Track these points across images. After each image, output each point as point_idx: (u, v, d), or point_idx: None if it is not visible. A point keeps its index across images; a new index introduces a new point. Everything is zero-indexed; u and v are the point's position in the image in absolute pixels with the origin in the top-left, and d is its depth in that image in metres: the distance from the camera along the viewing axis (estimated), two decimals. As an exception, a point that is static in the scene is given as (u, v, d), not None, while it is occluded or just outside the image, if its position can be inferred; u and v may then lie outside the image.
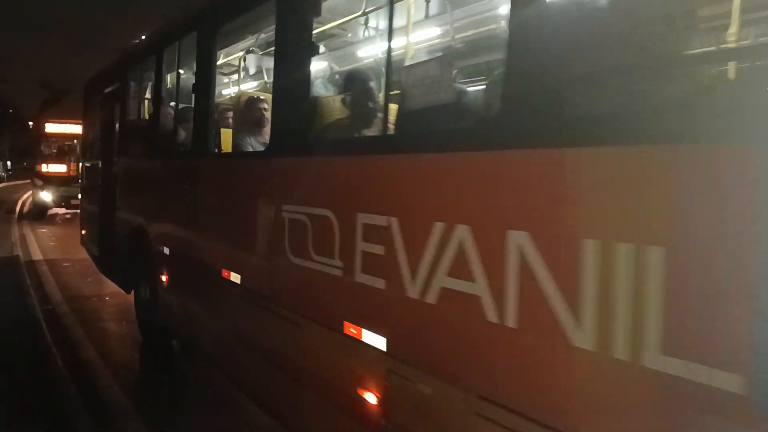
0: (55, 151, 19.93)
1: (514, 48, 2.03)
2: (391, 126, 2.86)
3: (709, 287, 1.47)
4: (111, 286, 8.28)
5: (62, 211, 19.86)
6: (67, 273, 10.64)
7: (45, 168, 18.94)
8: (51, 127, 19.42)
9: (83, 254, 10.50)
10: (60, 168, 18.96)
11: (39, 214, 19.36)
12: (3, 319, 7.12)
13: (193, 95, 4.92)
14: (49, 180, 18.54)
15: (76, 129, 18.04)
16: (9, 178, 62.43)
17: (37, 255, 12.30)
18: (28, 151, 25.03)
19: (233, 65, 7.34)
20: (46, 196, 18.47)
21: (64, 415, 4.38)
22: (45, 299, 8.39)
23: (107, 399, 4.72)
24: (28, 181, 56.06)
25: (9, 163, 74.65)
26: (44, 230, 17.00)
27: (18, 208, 23.17)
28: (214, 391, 4.94)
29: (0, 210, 22.62)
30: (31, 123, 65.46)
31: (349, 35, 5.80)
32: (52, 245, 14.16)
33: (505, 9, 3.82)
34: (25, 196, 29.36)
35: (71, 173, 18.50)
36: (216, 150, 5.01)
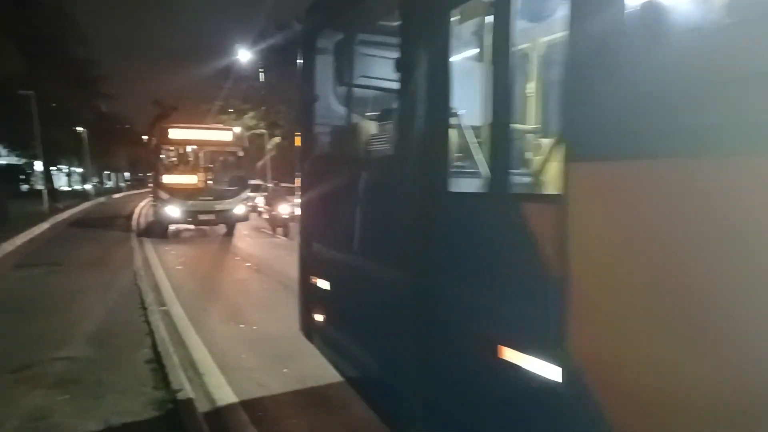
0: (180, 160, 18.17)
1: None
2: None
3: None
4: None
5: (183, 227, 17.69)
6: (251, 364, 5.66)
7: (169, 179, 16.37)
8: (175, 133, 16.79)
9: (255, 314, 7.51)
10: (188, 179, 16.56)
11: (160, 231, 16.78)
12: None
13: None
14: (174, 193, 16.00)
15: (205, 135, 17.40)
16: (127, 188, 68.80)
17: (174, 303, 8.18)
18: (148, 161, 22.12)
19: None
20: (172, 210, 15.96)
21: None
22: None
23: None
24: (143, 190, 61.82)
25: (127, 174, 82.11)
26: (172, 253, 13.82)
27: (135, 221, 22.37)
28: None
29: (116, 222, 24.34)
30: (144, 137, 72.17)
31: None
32: (193, 284, 9.81)
33: None
34: (141, 205, 32.00)
35: (199, 185, 16.52)
36: None
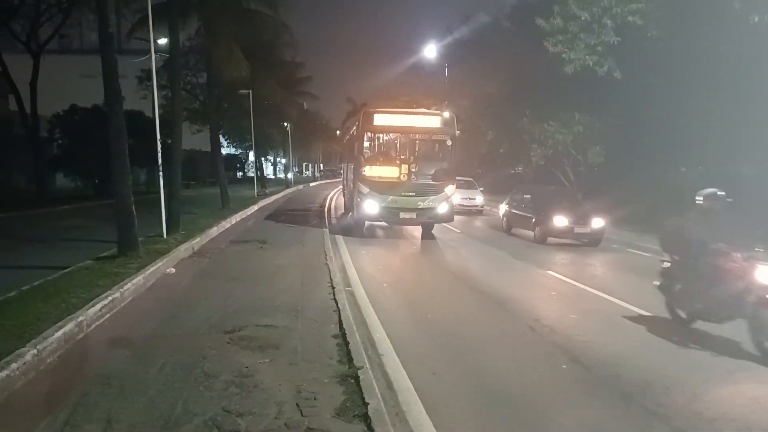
0: (383, 149, 16.11)
1: None
2: None
3: None
4: None
5: (383, 224, 16.22)
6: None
7: (369, 171, 14.64)
8: (381, 119, 14.80)
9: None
10: (390, 172, 14.59)
11: (356, 228, 15.60)
12: None
13: None
14: (374, 186, 14.41)
15: (412, 120, 14.99)
16: (321, 178, 75.35)
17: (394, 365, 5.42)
18: (344, 152, 20.97)
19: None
20: (371, 206, 14.40)
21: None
22: None
23: None
24: (335, 180, 66.92)
25: (321, 165, 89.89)
26: (367, 258, 11.91)
27: (326, 212, 22.70)
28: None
29: (311, 211, 26.64)
30: (338, 131, 78.55)
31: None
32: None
33: None
34: (332, 194, 34.78)
35: (402, 178, 14.48)
36: None
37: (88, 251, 10.17)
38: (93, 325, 6.16)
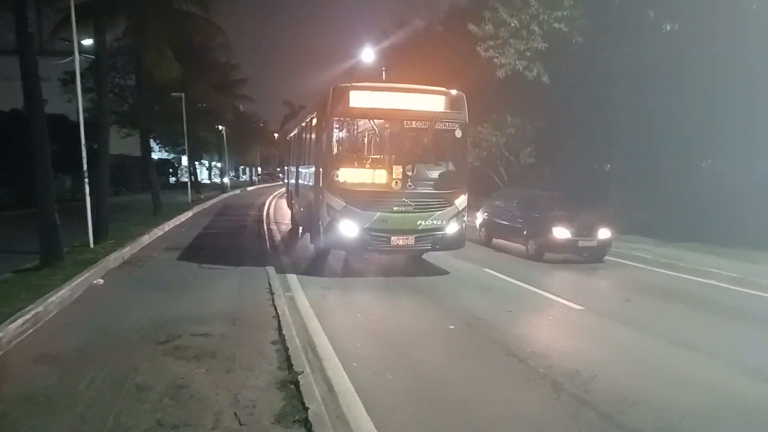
0: (363, 145, 11.03)
1: None
2: None
3: None
4: None
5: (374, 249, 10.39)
6: None
7: (346, 177, 9.92)
8: (360, 99, 9.96)
9: None
10: (376, 177, 10.06)
11: (317, 259, 11.47)
12: None
13: None
14: (353, 199, 9.76)
15: (406, 101, 10.03)
16: (259, 182, 74.10)
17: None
18: (300, 149, 14.70)
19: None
20: (348, 228, 9.72)
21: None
22: None
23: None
24: (273, 184, 65.90)
25: (259, 169, 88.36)
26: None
27: (265, 222, 19.64)
28: None
29: (250, 213, 26.08)
30: (276, 135, 77.57)
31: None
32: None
33: None
34: (271, 197, 34.24)
35: (394, 187, 9.87)
36: None
37: (9, 263, 9.57)
38: (14, 342, 5.81)
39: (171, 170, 64.55)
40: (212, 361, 5.30)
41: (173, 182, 60.51)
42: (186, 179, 42.85)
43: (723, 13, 13.29)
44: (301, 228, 15.15)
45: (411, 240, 10.02)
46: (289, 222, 18.39)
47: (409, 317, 7.64)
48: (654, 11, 14.15)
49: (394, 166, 9.93)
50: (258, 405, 4.33)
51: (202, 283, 9.08)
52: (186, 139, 29.45)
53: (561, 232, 11.97)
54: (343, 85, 10.21)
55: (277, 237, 16.21)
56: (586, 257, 12.28)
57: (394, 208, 9.85)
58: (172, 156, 58.05)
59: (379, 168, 10.12)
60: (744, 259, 11.72)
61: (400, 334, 6.70)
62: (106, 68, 16.55)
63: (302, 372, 4.91)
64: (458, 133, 10.30)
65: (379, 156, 10.55)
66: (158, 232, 15.54)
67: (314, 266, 11.02)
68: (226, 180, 51.13)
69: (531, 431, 4.25)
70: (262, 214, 23.08)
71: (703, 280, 10.36)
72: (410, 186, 9.92)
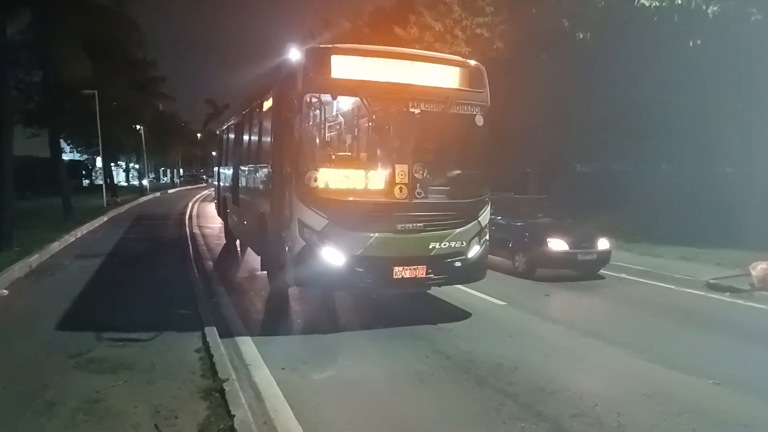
0: (358, 135, 8.34)
1: None
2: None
3: None
4: None
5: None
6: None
7: (326, 181, 6.79)
8: (347, 67, 6.87)
9: None
10: (373, 181, 6.95)
11: (277, 298, 8.36)
12: None
13: None
14: (342, 213, 6.75)
15: (412, 72, 7.08)
16: (181, 184, 71.30)
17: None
18: (243, 141, 11.32)
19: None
20: (332, 256, 6.68)
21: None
22: None
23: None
24: (196, 186, 63.54)
25: (181, 170, 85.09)
26: None
27: (190, 234, 16.14)
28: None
29: (171, 215, 24.92)
30: (199, 134, 74.91)
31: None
32: None
33: None
34: (194, 200, 33.04)
35: (398, 195, 6.84)
36: None
37: None
38: None
39: (84, 172, 60.98)
40: (130, 373, 5.06)
41: (87, 185, 57.12)
42: (101, 182, 40.57)
43: (633, 25, 14.22)
44: (239, 242, 13.10)
45: (421, 271, 6.92)
46: (220, 234, 15.46)
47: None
48: (568, 20, 14.93)
49: (397, 166, 6.84)
50: (180, 416, 4.17)
51: (117, 289, 8.65)
52: (100, 139, 27.83)
53: (557, 244, 10.14)
54: (322, 46, 7.24)
55: (208, 258, 12.52)
56: (582, 272, 10.57)
57: (398, 226, 6.80)
58: (85, 157, 54.73)
59: (376, 168, 7.03)
60: (649, 253, 12.65)
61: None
62: (6, 63, 15.34)
63: (227, 379, 4.79)
64: (479, 120, 7.36)
65: (375, 152, 7.46)
66: (70, 238, 14.60)
67: (275, 315, 7.73)
68: (145, 182, 48.84)
69: (456, 425, 4.37)
70: (187, 229, 18.31)
71: (612, 273, 11.03)
72: (419, 194, 6.92)
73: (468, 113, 7.36)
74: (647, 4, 10.66)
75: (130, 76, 31.60)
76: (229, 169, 13.59)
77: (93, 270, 10.48)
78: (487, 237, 7.65)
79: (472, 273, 7.54)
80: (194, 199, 35.13)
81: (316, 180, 6.71)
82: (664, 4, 10.58)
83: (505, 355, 5.91)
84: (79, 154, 52.62)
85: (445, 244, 7.10)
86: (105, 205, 26.56)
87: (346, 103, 7.94)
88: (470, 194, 7.56)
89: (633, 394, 4.97)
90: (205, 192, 44.78)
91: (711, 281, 9.75)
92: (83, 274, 10.13)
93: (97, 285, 9.15)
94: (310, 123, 6.96)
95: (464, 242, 7.25)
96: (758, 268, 9.18)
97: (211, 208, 22.80)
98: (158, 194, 44.81)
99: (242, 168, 11.30)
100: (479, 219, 7.44)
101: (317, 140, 7.27)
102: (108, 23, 17.78)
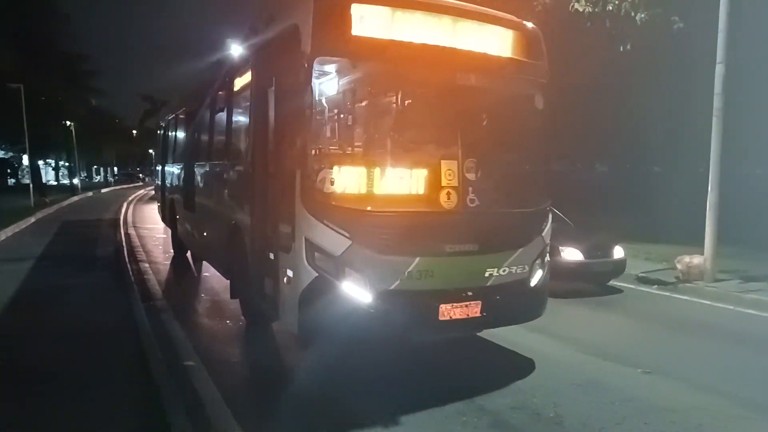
0: (389, 118, 5.42)
1: None
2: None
3: None
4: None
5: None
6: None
7: (348, 186, 4.74)
8: (374, 24, 4.77)
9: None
10: (408, 180, 4.92)
11: (259, 339, 6.35)
12: None
13: None
14: (370, 228, 4.67)
15: (473, 37, 5.22)
16: (115, 183, 68.38)
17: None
18: (221, 132, 7.94)
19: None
20: (358, 292, 4.57)
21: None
22: None
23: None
24: (131, 185, 60.91)
25: (115, 169, 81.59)
26: None
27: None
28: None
29: (105, 216, 23.83)
30: (135, 131, 71.92)
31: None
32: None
33: None
34: (129, 199, 31.74)
35: (444, 203, 4.92)
36: None
37: None
38: None
39: (9, 171, 57.55)
40: (54, 383, 4.79)
41: (13, 184, 53.93)
42: (28, 181, 38.37)
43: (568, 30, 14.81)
44: (190, 255, 10.98)
45: (474, 308, 4.99)
46: (166, 244, 13.16)
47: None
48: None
49: (443, 163, 4.99)
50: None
51: (46, 297, 8.19)
52: (27, 135, 26.29)
53: (571, 253, 8.98)
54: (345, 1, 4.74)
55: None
56: (594, 285, 9.53)
57: (447, 247, 4.94)
58: (10, 155, 51.58)
59: (415, 166, 4.98)
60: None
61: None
62: None
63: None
64: (539, 102, 5.66)
65: (411, 143, 5.33)
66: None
67: (264, 376, 5.39)
68: (76, 181, 46.53)
69: (401, 422, 4.40)
70: (125, 242, 14.06)
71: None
72: (472, 201, 5.07)
73: (526, 93, 5.66)
74: (581, 10, 11.08)
75: (61, 70, 30.05)
76: (178, 168, 11.20)
77: (20, 275, 9.85)
78: (548, 258, 5.77)
79: (533, 307, 5.57)
80: (129, 199, 33.73)
81: (332, 182, 4.61)
82: (596, 9, 11.02)
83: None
84: (2, 152, 49.58)
85: (504, 270, 5.20)
86: (33, 206, 25.12)
87: (369, 74, 5.06)
88: (532, 201, 5.69)
89: (568, 385, 5.16)
90: (142, 192, 43.16)
91: (640, 275, 10.33)
92: (8, 278, 9.51)
93: (25, 289, 8.62)
94: (323, 100, 4.97)
95: (526, 266, 5.36)
96: (683, 262, 9.81)
97: (149, 211, 21.96)
98: (90, 194, 42.83)
99: (200, 166, 9.11)
100: (543, 234, 5.59)
101: (333, 126, 5.29)
102: (33, 14, 16.84)
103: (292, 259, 4.82)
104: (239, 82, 7.07)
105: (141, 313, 6.94)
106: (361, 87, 5.23)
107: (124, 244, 13.54)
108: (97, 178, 77.61)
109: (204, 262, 9.92)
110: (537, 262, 5.49)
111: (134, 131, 71.63)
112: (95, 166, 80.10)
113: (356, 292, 4.58)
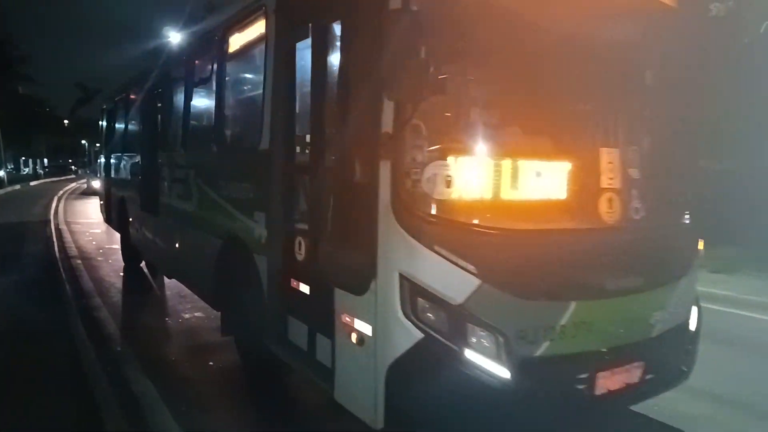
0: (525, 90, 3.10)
1: None
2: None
3: None
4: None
5: None
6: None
7: (468, 183, 2.76)
8: None
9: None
10: (567, 183, 3.03)
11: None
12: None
13: None
14: (512, 259, 2.78)
15: None
16: (45, 176, 64.92)
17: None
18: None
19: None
20: (491, 362, 2.70)
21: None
22: None
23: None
24: (63, 178, 57.75)
25: (45, 161, 77.45)
26: None
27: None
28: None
29: (34, 211, 22.69)
30: (66, 121, 68.30)
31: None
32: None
33: None
34: (59, 194, 30.23)
35: (613, 209, 3.15)
36: None
37: None
38: None
39: None
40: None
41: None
42: (-54, 173, 35.95)
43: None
44: (144, 264, 9.26)
45: (637, 372, 3.24)
46: (113, 254, 10.77)
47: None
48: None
49: (602, 153, 3.25)
50: None
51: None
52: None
53: None
54: None
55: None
56: None
57: (608, 283, 3.13)
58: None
59: (571, 159, 3.10)
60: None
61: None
62: None
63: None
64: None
65: (545, 121, 3.18)
66: None
67: None
68: (1, 173, 43.91)
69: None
70: (62, 247, 11.68)
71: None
72: (637, 211, 3.34)
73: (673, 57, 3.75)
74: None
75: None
76: (131, 158, 9.13)
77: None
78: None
79: (690, 362, 3.72)
80: (60, 192, 32.12)
81: (449, 183, 2.75)
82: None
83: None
84: None
85: (669, 312, 3.46)
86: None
87: (477, 21, 2.77)
88: (685, 208, 3.85)
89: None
90: (73, 185, 41.18)
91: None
92: None
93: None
94: (416, 56, 2.54)
95: (687, 305, 3.74)
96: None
97: (89, 208, 20.99)
98: (18, 186, 40.54)
99: (168, 155, 7.00)
100: (700, 253, 3.92)
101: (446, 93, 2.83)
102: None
103: (371, 307, 2.91)
104: (240, 38, 4.97)
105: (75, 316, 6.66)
106: (487, 35, 2.84)
107: (66, 283, 9.07)
108: (26, 170, 73.50)
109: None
110: (692, 298, 3.81)
111: (66, 121, 68.24)
112: (23, 158, 75.80)
113: (487, 363, 2.73)
